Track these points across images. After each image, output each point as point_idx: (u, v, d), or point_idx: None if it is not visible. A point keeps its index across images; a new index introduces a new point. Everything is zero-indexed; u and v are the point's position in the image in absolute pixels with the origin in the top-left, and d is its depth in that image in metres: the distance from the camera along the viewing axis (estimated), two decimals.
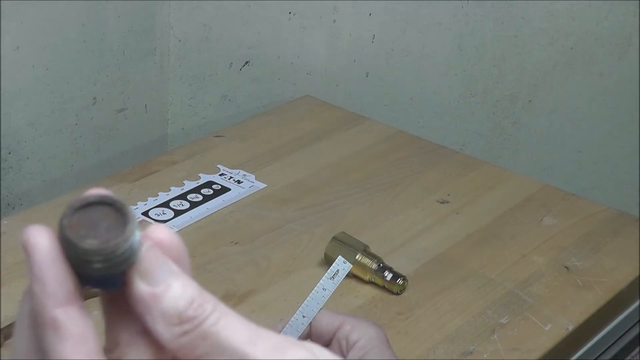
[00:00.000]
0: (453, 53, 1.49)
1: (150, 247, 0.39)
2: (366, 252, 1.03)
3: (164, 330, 0.39)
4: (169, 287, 0.39)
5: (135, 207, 1.14)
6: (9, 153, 1.29)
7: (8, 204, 1.30)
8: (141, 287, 0.39)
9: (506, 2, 1.45)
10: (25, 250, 0.39)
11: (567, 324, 0.98)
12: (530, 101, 1.51)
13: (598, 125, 1.52)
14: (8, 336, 0.92)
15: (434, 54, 1.49)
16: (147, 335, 0.40)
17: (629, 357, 1.09)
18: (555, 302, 1.01)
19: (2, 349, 0.91)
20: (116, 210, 0.39)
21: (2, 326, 0.92)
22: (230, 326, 0.39)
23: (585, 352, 1.01)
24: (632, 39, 1.44)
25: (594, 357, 1.03)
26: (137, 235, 0.39)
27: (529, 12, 1.45)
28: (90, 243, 0.38)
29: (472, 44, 1.48)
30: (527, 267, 1.07)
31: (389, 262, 1.03)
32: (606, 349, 1.05)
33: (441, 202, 1.19)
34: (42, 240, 0.39)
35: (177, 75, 1.49)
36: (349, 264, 0.98)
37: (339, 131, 1.35)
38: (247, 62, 1.50)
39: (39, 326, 0.39)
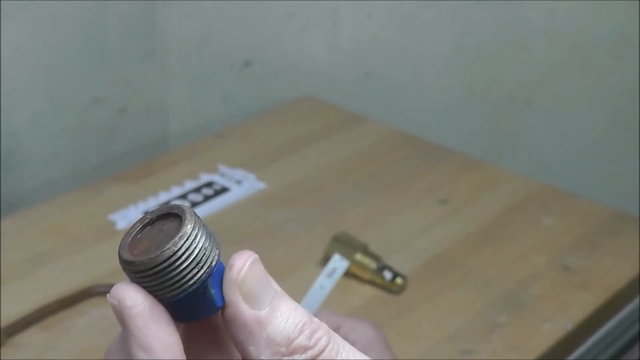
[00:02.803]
0: (453, 53, 1.49)
1: (253, 263, 0.34)
2: (366, 251, 1.03)
3: None
4: (275, 310, 0.33)
5: (136, 206, 1.14)
6: (10, 153, 1.29)
7: (9, 204, 1.30)
8: (244, 310, 0.33)
9: (506, 2, 1.45)
10: (120, 313, 0.34)
11: (566, 323, 0.98)
12: (529, 101, 1.51)
13: (598, 125, 1.52)
14: (9, 335, 0.92)
15: (434, 54, 1.49)
16: None
17: (628, 356, 1.09)
18: (554, 302, 1.01)
19: (2, 348, 0.91)
20: (174, 216, 0.36)
21: (2, 325, 0.93)
22: None
23: (585, 351, 1.01)
24: (632, 39, 1.45)
25: (593, 356, 1.04)
26: (202, 235, 0.35)
27: (528, 13, 1.45)
28: (143, 257, 0.34)
29: (472, 44, 1.48)
30: (527, 266, 1.07)
31: (388, 262, 1.03)
32: (605, 348, 1.05)
33: (441, 202, 1.19)
34: (140, 300, 0.34)
35: (178, 75, 1.49)
36: (346, 261, 0.99)
37: (339, 131, 1.36)
38: (247, 63, 1.50)
39: None
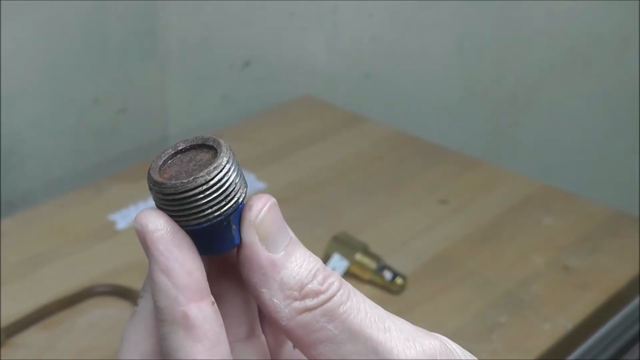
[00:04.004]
0: (453, 53, 1.49)
1: (272, 206, 0.35)
2: (366, 251, 1.03)
3: (282, 305, 0.33)
4: (290, 254, 0.34)
5: (136, 206, 1.14)
6: (10, 153, 1.29)
7: (9, 204, 1.30)
8: (260, 251, 0.34)
9: (506, 2, 1.45)
10: (143, 237, 0.34)
11: (566, 323, 0.98)
12: (529, 101, 1.51)
13: (598, 125, 1.52)
14: (9, 335, 0.92)
15: (434, 54, 1.49)
16: (264, 321, 0.35)
17: (628, 356, 1.09)
18: (554, 302, 1.01)
19: (2, 348, 0.91)
20: (208, 148, 0.36)
21: (2, 325, 0.93)
22: (362, 308, 0.34)
23: (585, 351, 1.01)
24: (631, 39, 1.45)
25: (593, 356, 1.04)
26: (234, 170, 0.35)
27: (528, 13, 1.45)
28: (175, 181, 0.34)
29: (472, 44, 1.48)
30: (526, 266, 1.07)
31: (388, 262, 1.03)
32: (605, 348, 1.05)
33: (441, 202, 1.19)
34: (163, 224, 0.34)
35: (178, 75, 1.49)
36: (346, 261, 0.99)
37: (339, 131, 1.36)
38: (247, 63, 1.50)
39: (163, 324, 0.33)
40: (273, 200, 0.35)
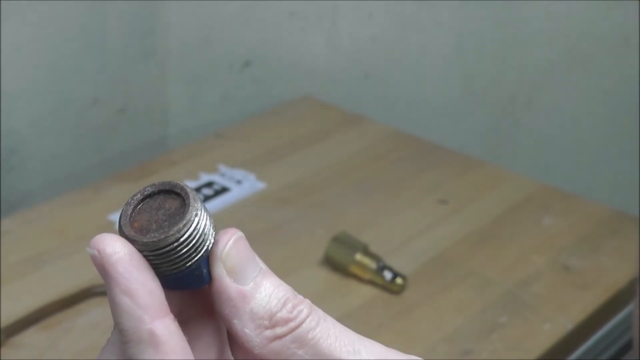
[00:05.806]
0: (453, 53, 1.49)
1: (237, 240, 0.36)
2: (366, 251, 1.03)
3: (253, 334, 0.35)
4: (259, 285, 0.35)
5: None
6: (10, 153, 1.29)
7: (9, 204, 1.30)
8: (228, 284, 0.35)
9: (506, 2, 1.45)
10: (102, 261, 0.34)
11: (566, 323, 0.98)
12: (529, 101, 1.51)
13: (598, 125, 1.52)
14: (9, 335, 0.92)
15: (433, 54, 1.49)
16: (235, 348, 0.36)
17: (628, 356, 1.09)
18: (554, 302, 1.01)
19: (2, 348, 0.91)
20: (176, 195, 0.37)
21: (2, 325, 0.93)
22: (331, 333, 0.35)
23: (585, 351, 1.01)
24: (631, 39, 1.45)
25: (593, 356, 1.04)
26: (203, 219, 0.36)
27: (528, 13, 1.45)
28: (151, 236, 0.35)
29: (471, 44, 1.48)
30: (527, 266, 1.07)
31: (388, 262, 1.03)
32: (605, 348, 1.05)
33: (441, 202, 1.19)
34: (120, 247, 0.34)
35: (178, 75, 1.49)
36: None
37: (339, 131, 1.36)
38: (247, 63, 1.50)
39: (129, 345, 0.34)
40: (239, 233, 0.36)
